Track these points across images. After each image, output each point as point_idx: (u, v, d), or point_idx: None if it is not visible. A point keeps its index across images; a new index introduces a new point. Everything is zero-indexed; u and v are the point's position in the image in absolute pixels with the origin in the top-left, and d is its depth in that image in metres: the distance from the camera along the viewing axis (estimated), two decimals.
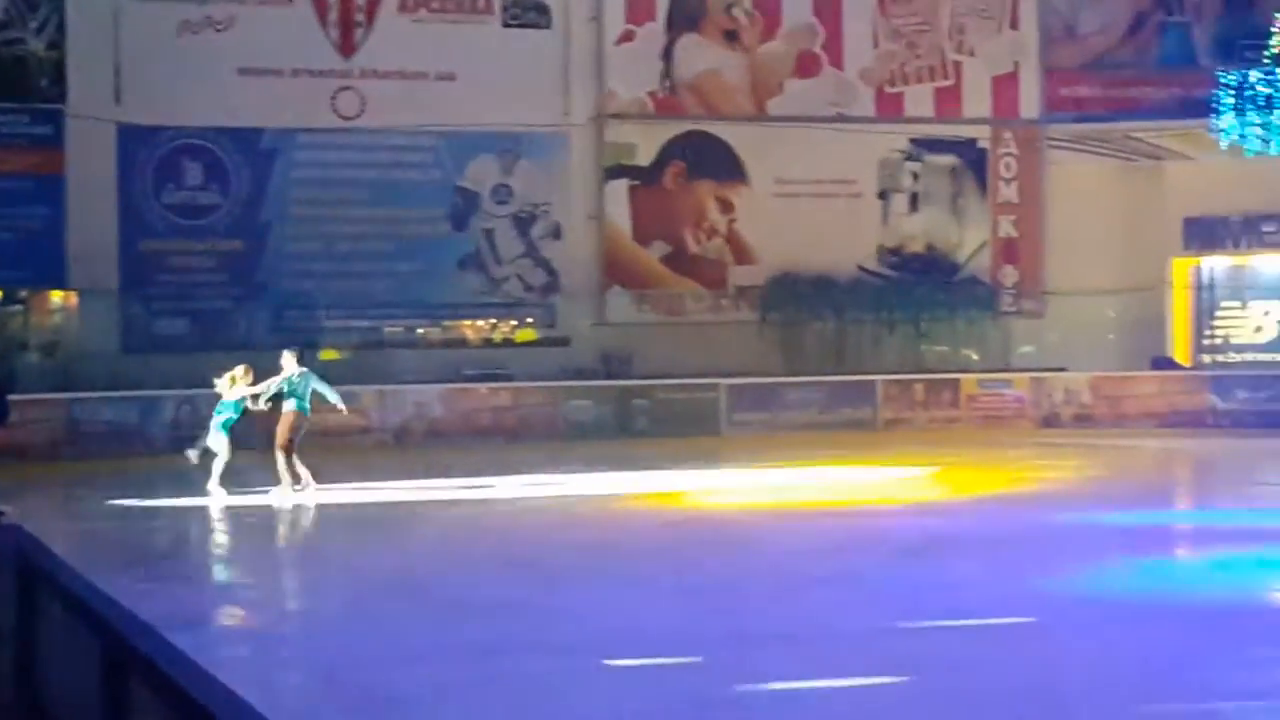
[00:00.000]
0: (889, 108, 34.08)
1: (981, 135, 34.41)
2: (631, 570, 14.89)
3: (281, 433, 19.53)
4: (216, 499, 19.35)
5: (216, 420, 19.78)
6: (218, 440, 19.55)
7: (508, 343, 31.94)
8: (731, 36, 33.51)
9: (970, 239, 34.44)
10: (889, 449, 27.15)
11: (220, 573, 16.22)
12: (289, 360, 19.96)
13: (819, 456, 25.43)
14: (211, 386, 20.19)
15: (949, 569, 14.36)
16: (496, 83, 31.35)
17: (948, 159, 34.32)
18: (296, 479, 19.47)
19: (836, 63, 33.79)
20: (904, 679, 9.77)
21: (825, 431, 29.53)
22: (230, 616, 13.07)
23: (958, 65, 34.19)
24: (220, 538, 18.18)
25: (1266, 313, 34.50)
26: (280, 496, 19.42)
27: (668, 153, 33.12)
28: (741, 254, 33.34)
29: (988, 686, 9.39)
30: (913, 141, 34.16)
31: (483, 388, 29.66)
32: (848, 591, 13.10)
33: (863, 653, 10.55)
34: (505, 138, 31.91)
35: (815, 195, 33.36)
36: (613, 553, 16.06)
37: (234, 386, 19.73)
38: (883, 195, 34.11)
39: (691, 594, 13.08)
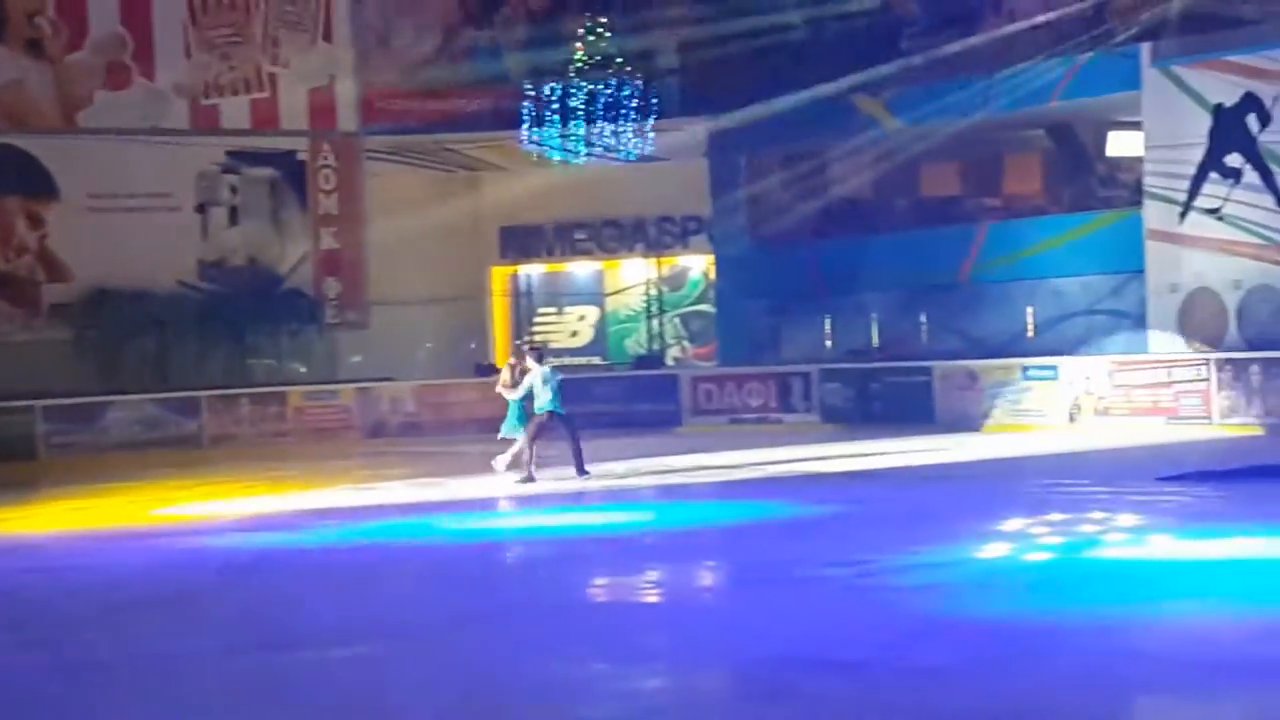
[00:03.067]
0: (205, 120, 33.64)
1: (300, 147, 34.41)
2: None
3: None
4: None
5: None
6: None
7: None
8: (35, 46, 32.32)
9: (292, 251, 34.40)
10: (215, 465, 26.77)
11: None
12: (532, 362, 21.88)
13: (144, 476, 24.87)
14: None
15: (282, 588, 14.18)
16: None
17: (266, 171, 34.16)
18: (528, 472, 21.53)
19: (148, 74, 33.13)
20: (241, 705, 9.60)
21: (150, 450, 28.87)
22: None
23: (273, 77, 34.06)
24: None
25: (582, 317, 35.90)
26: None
27: None
28: (54, 271, 32.24)
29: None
30: (230, 154, 33.84)
31: None
32: (176, 615, 12.76)
33: (186, 679, 10.28)
34: None
35: (131, 210, 32.64)
36: None
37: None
38: (201, 208, 33.67)
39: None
